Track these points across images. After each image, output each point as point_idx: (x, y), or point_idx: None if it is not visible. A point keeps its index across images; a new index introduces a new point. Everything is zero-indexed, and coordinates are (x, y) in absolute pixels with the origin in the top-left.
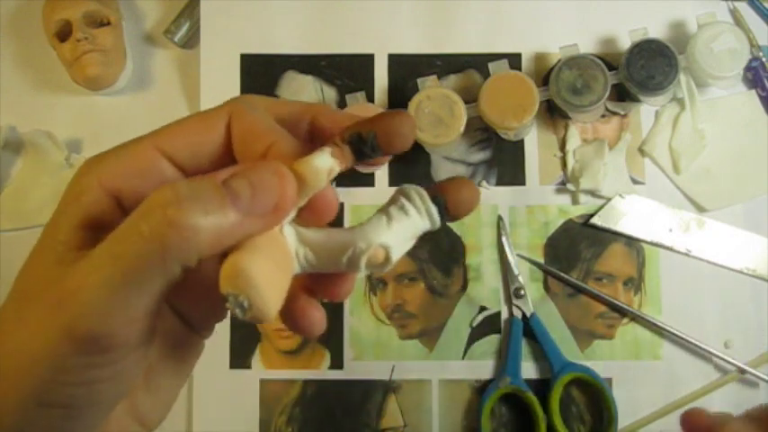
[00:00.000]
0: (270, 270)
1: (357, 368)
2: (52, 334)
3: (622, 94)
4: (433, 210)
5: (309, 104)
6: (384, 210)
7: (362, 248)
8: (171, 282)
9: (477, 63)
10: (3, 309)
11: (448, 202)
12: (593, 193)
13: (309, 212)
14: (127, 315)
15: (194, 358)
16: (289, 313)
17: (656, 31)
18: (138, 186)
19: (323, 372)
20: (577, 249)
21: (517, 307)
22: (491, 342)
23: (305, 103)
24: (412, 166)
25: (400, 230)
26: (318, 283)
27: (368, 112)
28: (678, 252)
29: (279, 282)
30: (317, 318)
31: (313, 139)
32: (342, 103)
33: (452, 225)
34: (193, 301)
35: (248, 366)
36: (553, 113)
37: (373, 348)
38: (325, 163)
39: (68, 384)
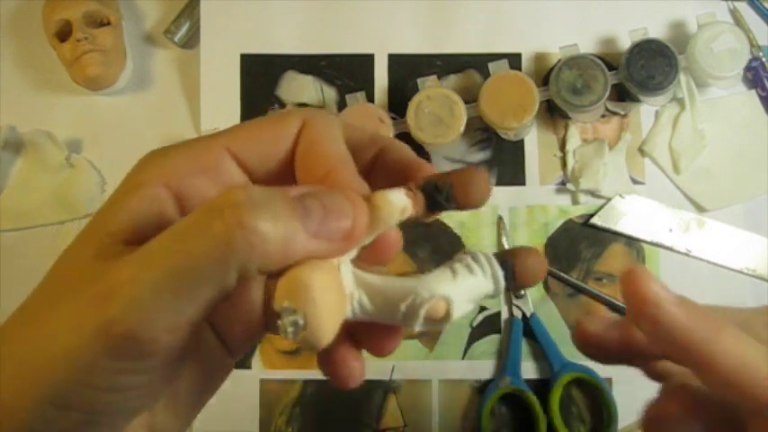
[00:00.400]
0: (330, 296)
1: None
2: (88, 330)
3: (622, 94)
4: (500, 273)
5: (379, 136)
6: (448, 265)
7: (424, 297)
8: (223, 292)
9: (477, 63)
10: (33, 296)
11: (516, 267)
12: (593, 193)
13: (370, 250)
14: (173, 321)
15: (222, 378)
16: (328, 359)
17: (656, 31)
18: (202, 186)
19: None
20: (577, 249)
21: (517, 307)
22: (491, 342)
23: (374, 134)
24: None
25: (464, 288)
26: (365, 333)
27: (368, 112)
28: (678, 252)
29: (335, 312)
30: (356, 369)
31: (373, 173)
32: (342, 104)
33: (452, 225)
34: (234, 320)
35: (248, 366)
36: (553, 113)
37: None
38: (401, 201)
39: (94, 388)
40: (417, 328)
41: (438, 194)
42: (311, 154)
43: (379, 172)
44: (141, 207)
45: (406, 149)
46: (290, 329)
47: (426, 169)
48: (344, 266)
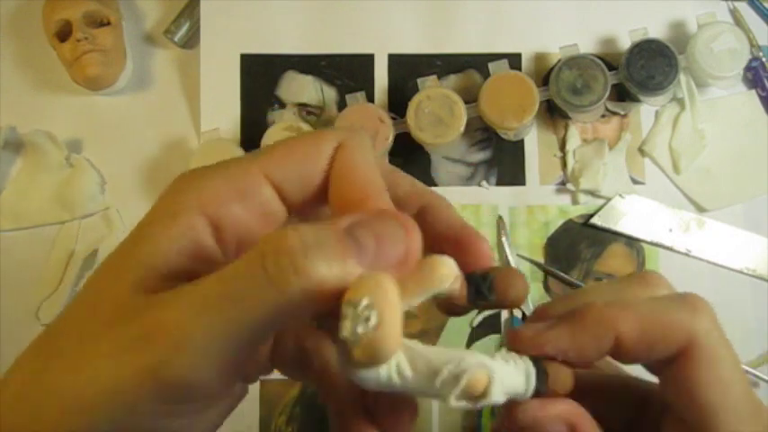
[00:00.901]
0: (400, 310)
1: None
2: (130, 371)
3: (622, 94)
4: (533, 371)
5: (424, 190)
6: (489, 353)
7: (470, 363)
8: (272, 333)
9: (477, 63)
10: (64, 326)
11: (549, 374)
12: (593, 193)
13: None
14: (222, 366)
15: (236, 405)
16: (342, 429)
17: (656, 31)
18: (239, 214)
19: None
20: (577, 249)
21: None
22: (491, 342)
23: (419, 187)
24: (412, 166)
25: (502, 371)
26: (383, 411)
27: (368, 112)
28: (678, 252)
29: (400, 331)
30: None
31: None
32: (342, 103)
33: None
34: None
35: None
36: (553, 113)
37: None
38: (455, 269)
39: (135, 427)
40: (453, 400)
41: (482, 283)
42: (346, 178)
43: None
44: (179, 237)
45: (453, 213)
46: (359, 328)
47: (479, 243)
48: None
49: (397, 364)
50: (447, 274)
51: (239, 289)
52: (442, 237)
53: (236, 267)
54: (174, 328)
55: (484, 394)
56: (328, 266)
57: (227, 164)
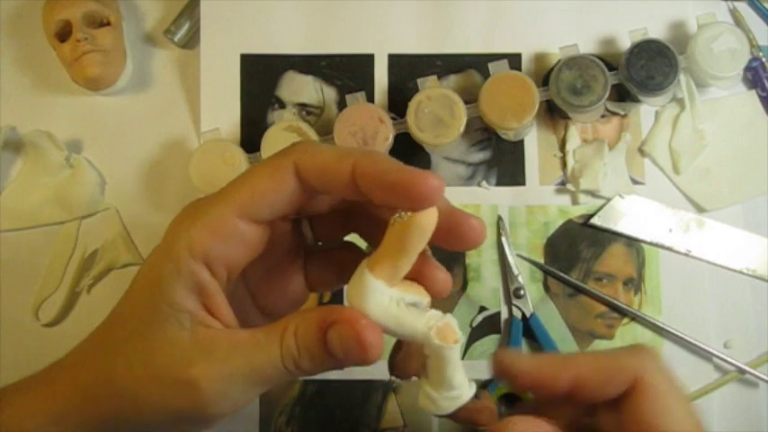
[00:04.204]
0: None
1: (357, 368)
2: (170, 409)
3: (622, 95)
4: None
5: (347, 152)
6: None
7: (450, 316)
8: None
9: (477, 63)
10: (101, 341)
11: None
12: (593, 194)
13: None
14: (240, 404)
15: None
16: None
17: (656, 32)
18: (223, 251)
19: None
20: (577, 249)
21: (517, 307)
22: (491, 342)
23: (342, 152)
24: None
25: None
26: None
27: (369, 111)
28: (678, 252)
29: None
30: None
31: (356, 188)
32: (342, 103)
33: None
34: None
35: None
36: (553, 113)
37: None
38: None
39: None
40: (434, 336)
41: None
42: (327, 170)
43: (364, 187)
44: (185, 282)
45: (384, 160)
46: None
47: (417, 179)
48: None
49: (397, 296)
50: (423, 222)
51: (252, 355)
52: (385, 186)
53: (256, 336)
54: (211, 381)
55: (455, 341)
56: (312, 367)
57: (207, 209)
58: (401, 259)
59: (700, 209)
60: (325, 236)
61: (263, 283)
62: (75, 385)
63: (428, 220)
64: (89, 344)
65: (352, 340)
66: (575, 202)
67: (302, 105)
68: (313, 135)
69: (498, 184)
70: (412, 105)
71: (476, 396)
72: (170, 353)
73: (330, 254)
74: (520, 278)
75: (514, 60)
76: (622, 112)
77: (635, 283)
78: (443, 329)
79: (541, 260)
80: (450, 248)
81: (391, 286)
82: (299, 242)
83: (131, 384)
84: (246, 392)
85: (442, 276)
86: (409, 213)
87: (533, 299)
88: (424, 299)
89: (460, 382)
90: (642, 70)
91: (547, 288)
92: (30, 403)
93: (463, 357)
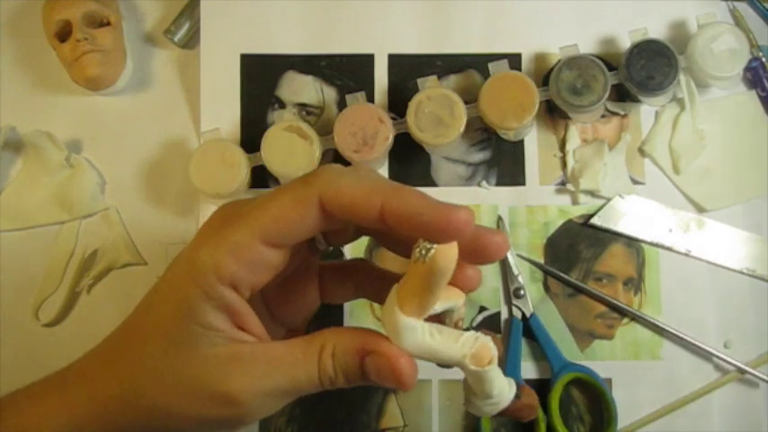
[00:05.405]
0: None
1: None
2: (200, 419)
3: (622, 95)
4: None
5: (380, 187)
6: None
7: (484, 337)
8: None
9: (477, 63)
10: (149, 338)
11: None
12: (593, 194)
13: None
14: (270, 412)
15: None
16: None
17: (656, 32)
18: (247, 275)
19: None
20: (577, 249)
21: (517, 307)
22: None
23: (374, 187)
24: (412, 166)
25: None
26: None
27: (369, 111)
28: (678, 252)
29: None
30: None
31: (386, 226)
32: (342, 104)
33: None
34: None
35: None
36: (553, 113)
37: None
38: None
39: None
40: (468, 361)
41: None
42: (357, 207)
43: (394, 225)
44: (215, 304)
45: (414, 199)
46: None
47: (449, 217)
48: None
49: (429, 328)
50: (444, 264)
51: (286, 374)
52: (414, 226)
53: (289, 357)
54: (247, 398)
55: (489, 362)
56: (347, 384)
57: (230, 234)
58: (427, 297)
59: (700, 209)
60: (336, 242)
61: (279, 294)
62: (93, 396)
63: (449, 259)
64: (105, 355)
65: (388, 371)
66: (575, 202)
67: (302, 105)
68: (313, 135)
69: (498, 184)
70: (412, 105)
71: (517, 396)
72: (205, 368)
73: (343, 270)
74: (520, 278)
75: (514, 60)
76: (622, 112)
77: (635, 283)
78: (477, 354)
79: (541, 260)
80: (474, 263)
81: (422, 318)
82: (314, 251)
83: (163, 398)
84: (281, 402)
85: (472, 273)
86: (432, 247)
87: (533, 299)
88: (458, 300)
89: (500, 389)
90: (642, 70)
91: (547, 288)
92: (43, 411)
93: None
